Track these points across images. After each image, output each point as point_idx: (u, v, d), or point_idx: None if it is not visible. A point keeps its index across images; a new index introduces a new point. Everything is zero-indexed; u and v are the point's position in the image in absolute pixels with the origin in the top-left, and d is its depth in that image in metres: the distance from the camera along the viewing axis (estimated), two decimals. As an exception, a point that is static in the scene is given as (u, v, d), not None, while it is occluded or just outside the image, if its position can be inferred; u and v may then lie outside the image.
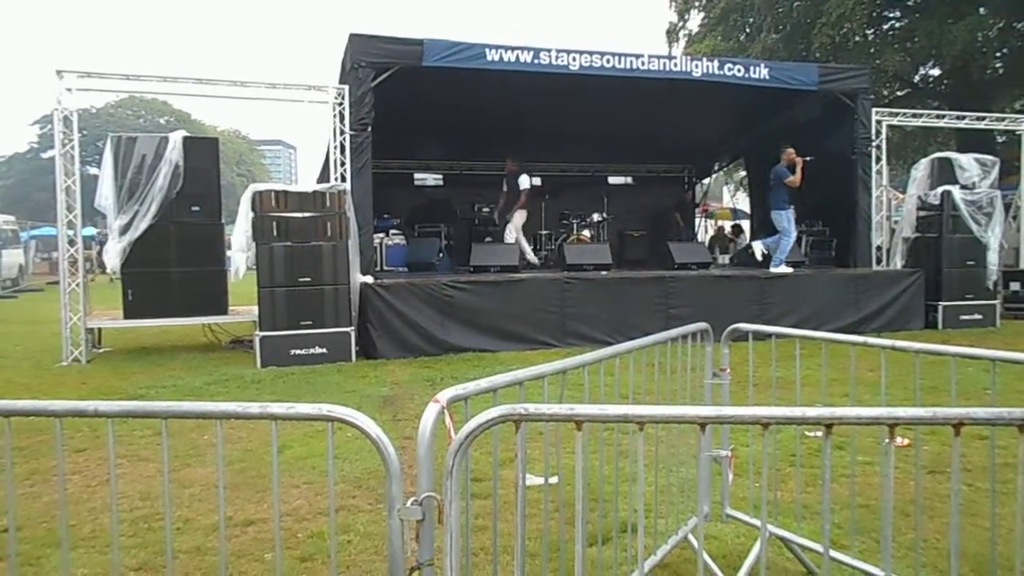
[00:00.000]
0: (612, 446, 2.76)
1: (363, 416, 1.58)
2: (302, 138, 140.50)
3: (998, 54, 20.24)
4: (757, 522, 2.92)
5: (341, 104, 9.35)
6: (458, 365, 8.28)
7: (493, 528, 1.96)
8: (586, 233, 13.42)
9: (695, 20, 25.62)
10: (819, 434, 2.93)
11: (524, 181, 11.97)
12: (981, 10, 18.88)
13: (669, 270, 10.81)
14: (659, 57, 10.57)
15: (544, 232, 13.85)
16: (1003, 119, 12.93)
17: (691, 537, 2.94)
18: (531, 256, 12.65)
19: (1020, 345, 9.04)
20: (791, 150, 10.59)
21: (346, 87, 9.36)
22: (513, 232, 12.15)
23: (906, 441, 4.20)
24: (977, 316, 10.84)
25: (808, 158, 10.56)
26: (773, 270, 10.68)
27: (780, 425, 1.52)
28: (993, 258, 10.97)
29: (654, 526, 2.82)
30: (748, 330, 3.13)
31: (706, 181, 18.20)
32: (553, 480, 2.54)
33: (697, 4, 25.19)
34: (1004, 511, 2.82)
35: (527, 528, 2.62)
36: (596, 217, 13.94)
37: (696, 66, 10.53)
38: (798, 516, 3.15)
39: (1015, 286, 11.86)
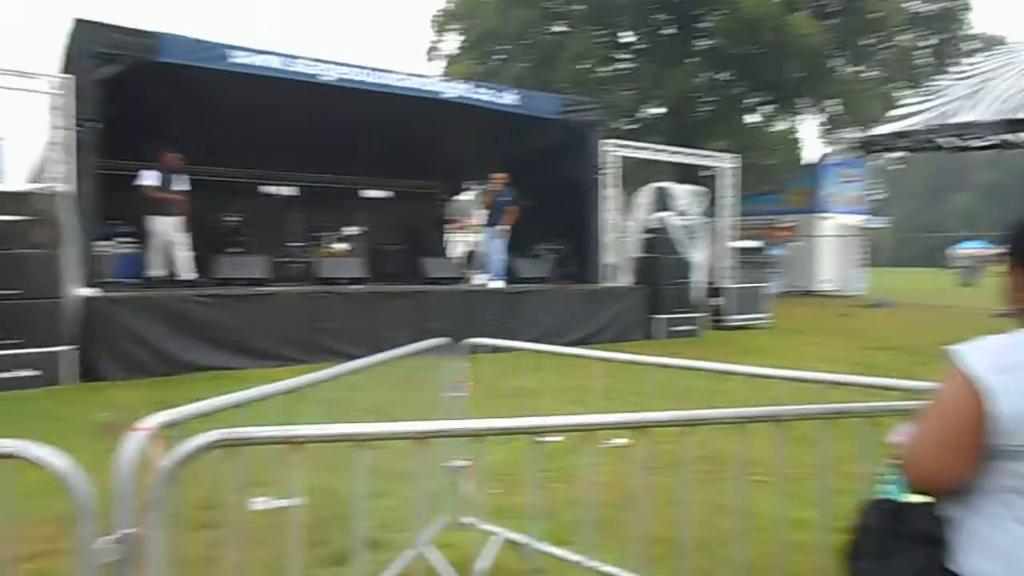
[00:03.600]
0: (348, 463, 2.77)
1: (40, 447, 1.42)
2: (11, 130, 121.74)
3: (706, 100, 23.39)
4: (492, 527, 3.07)
5: (63, 96, 8.28)
6: (196, 385, 7.68)
7: (220, 560, 1.86)
8: (340, 246, 13.21)
9: (453, 42, 26.52)
10: (554, 439, 3.18)
11: (150, 177, 10.03)
12: (691, 61, 21.73)
13: (422, 284, 11.01)
14: (413, 75, 10.76)
15: (296, 244, 13.39)
16: (707, 156, 14.96)
17: (427, 547, 3.02)
18: (184, 269, 10.45)
19: (715, 352, 10.44)
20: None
21: (71, 77, 8.32)
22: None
23: (626, 441, 4.66)
24: (688, 327, 12.38)
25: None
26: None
27: (498, 436, 1.63)
28: (700, 275, 12.64)
29: (393, 540, 2.86)
30: (484, 343, 3.30)
31: (460, 198, 18.80)
32: (287, 503, 2.47)
33: (455, 27, 26.06)
34: (699, 497, 3.26)
35: (263, 554, 2.51)
36: (350, 230, 13.78)
37: (449, 87, 10.89)
38: (531, 517, 3.37)
39: (717, 301, 13.73)
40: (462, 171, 17.15)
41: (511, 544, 3.24)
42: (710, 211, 14.48)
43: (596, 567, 2.81)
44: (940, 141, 2.26)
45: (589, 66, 21.51)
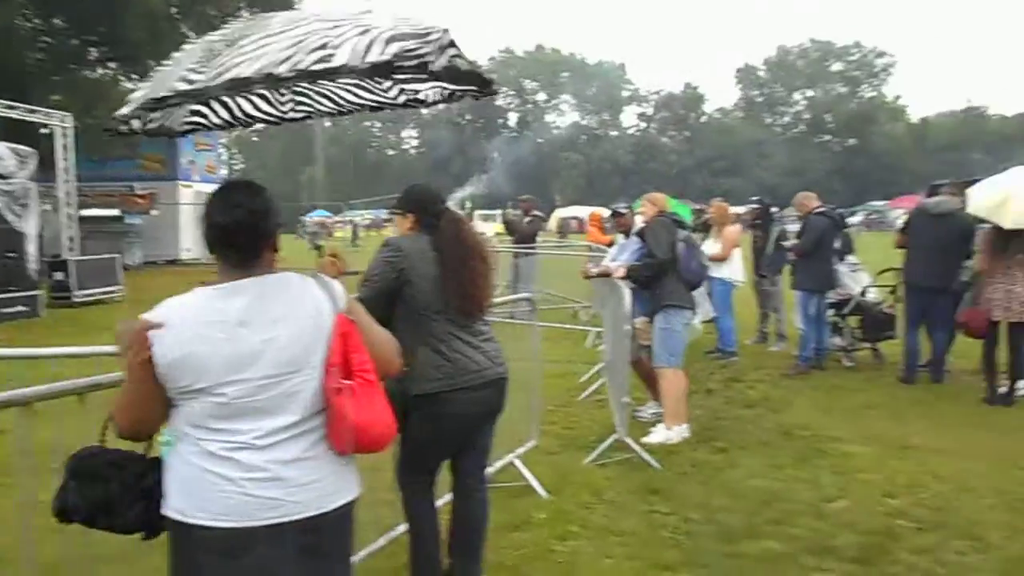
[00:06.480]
0: None
1: None
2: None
3: (38, 46, 20.22)
4: None
5: None
6: None
7: None
8: None
9: None
10: None
11: None
12: (11, -2, 18.46)
13: None
14: None
15: None
16: (35, 111, 13.03)
17: None
18: None
19: (56, 334, 9.27)
20: None
21: None
22: None
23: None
24: (21, 308, 10.68)
25: None
26: None
27: None
28: (32, 248, 11.04)
29: None
30: None
31: None
32: None
33: None
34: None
35: None
36: None
37: None
38: None
39: (59, 275, 12.16)
40: None
41: None
42: (44, 175, 12.74)
43: None
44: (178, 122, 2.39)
45: None
